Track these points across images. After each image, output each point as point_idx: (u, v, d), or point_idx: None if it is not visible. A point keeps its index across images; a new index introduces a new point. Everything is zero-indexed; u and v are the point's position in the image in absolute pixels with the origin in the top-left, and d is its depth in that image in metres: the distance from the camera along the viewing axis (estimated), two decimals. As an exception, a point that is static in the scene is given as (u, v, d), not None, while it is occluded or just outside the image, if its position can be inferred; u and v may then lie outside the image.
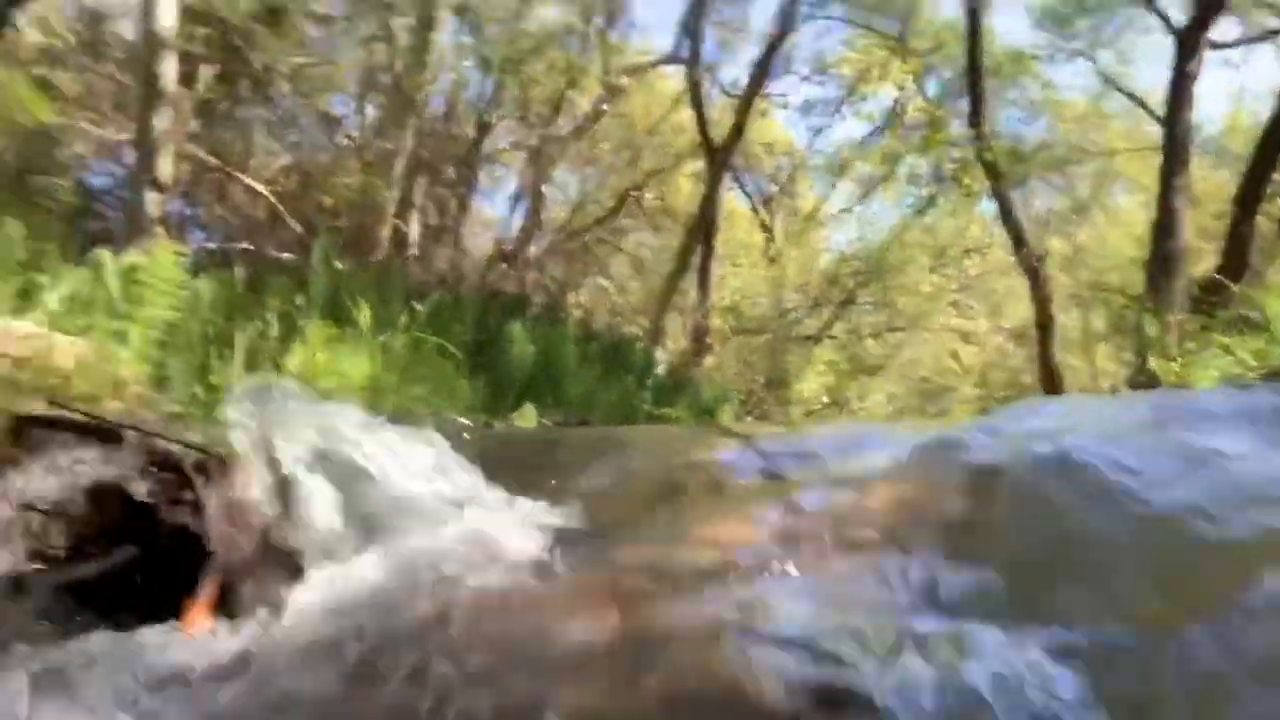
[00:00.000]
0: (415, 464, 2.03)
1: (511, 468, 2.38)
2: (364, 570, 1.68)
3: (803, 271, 18.15)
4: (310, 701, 1.26)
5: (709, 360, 15.25)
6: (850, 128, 27.69)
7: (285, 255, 11.48)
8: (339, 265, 7.24)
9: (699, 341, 15.00)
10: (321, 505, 1.88)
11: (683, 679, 1.05)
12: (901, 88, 17.51)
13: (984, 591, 1.25)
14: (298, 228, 12.58)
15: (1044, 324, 15.23)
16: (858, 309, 18.24)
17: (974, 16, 15.81)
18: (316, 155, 14.35)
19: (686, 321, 15.94)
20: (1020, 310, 19.26)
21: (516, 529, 1.83)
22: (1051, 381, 14.31)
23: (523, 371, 6.79)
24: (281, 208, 12.90)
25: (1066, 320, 17.32)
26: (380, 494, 1.91)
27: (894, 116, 18.32)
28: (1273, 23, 17.79)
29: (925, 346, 18.54)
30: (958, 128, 16.60)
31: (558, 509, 1.99)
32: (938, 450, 1.75)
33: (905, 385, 18.99)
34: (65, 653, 1.47)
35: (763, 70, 16.08)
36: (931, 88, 19.73)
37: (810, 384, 16.92)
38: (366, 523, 1.83)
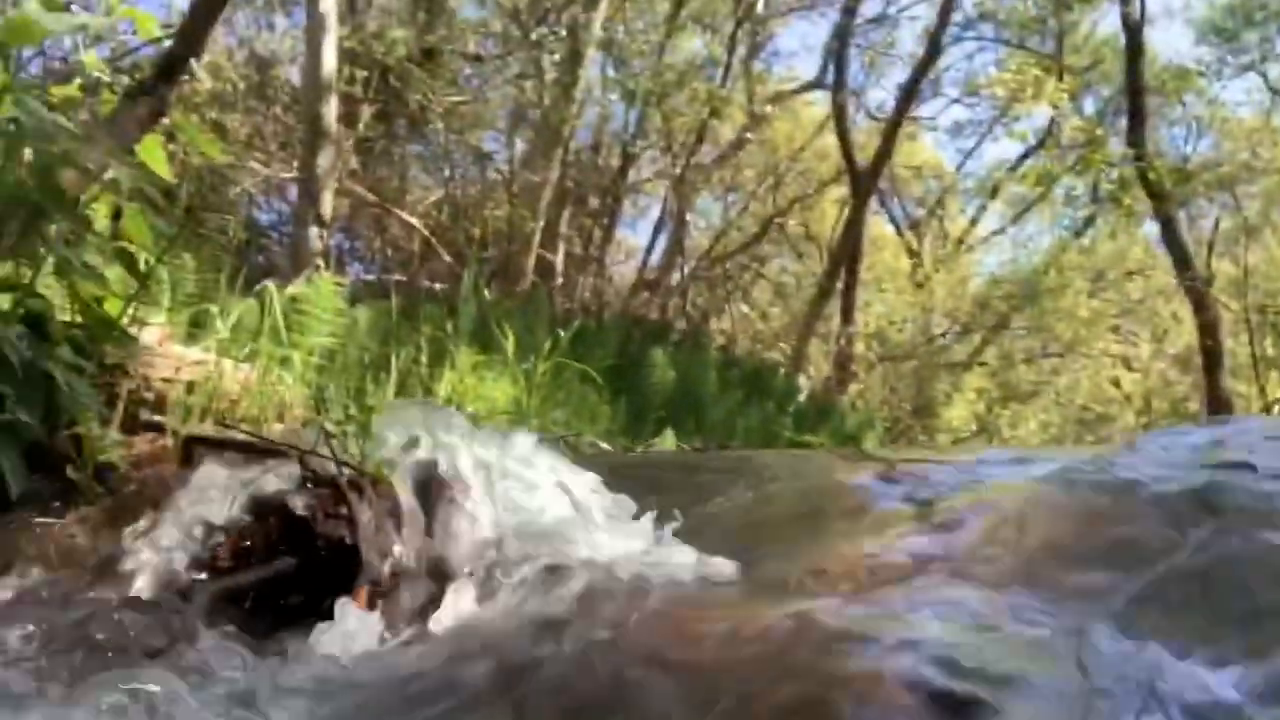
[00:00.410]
0: (560, 482, 2.10)
1: (651, 488, 2.42)
2: (510, 582, 1.74)
3: (952, 296, 17.76)
4: (444, 699, 1.31)
5: (853, 387, 15.05)
6: (1002, 149, 27.05)
7: (437, 285, 11.89)
8: (487, 294, 7.45)
9: (843, 368, 14.81)
10: (470, 519, 1.96)
11: (813, 684, 1.06)
12: (1057, 107, 16.93)
13: (1127, 613, 1.22)
14: (449, 259, 13.02)
15: (1210, 349, 14.48)
16: (1010, 334, 17.69)
17: (1133, 32, 15.24)
18: (467, 189, 14.84)
19: (830, 348, 15.76)
20: (1186, 335, 18.36)
21: (656, 546, 1.86)
22: (1219, 409, 13.57)
23: (663, 397, 6.85)
24: (434, 240, 13.38)
25: (1235, 345, 16.43)
26: (526, 510, 1.98)
27: (1049, 136, 17.76)
28: None
29: (1083, 373, 17.84)
30: (1117, 146, 15.95)
31: (697, 528, 2.02)
32: (1085, 472, 1.70)
33: (1061, 413, 18.28)
34: (225, 651, 1.57)
35: (910, 93, 15.86)
36: (1089, 106, 19.12)
37: (959, 411, 16.48)
38: (513, 537, 1.90)
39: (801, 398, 11.20)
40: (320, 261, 8.29)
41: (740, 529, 2.12)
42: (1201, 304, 14.89)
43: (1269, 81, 18.95)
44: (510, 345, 5.07)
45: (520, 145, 14.78)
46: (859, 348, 15.78)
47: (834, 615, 1.25)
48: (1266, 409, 15.18)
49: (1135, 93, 15.48)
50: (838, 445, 7.15)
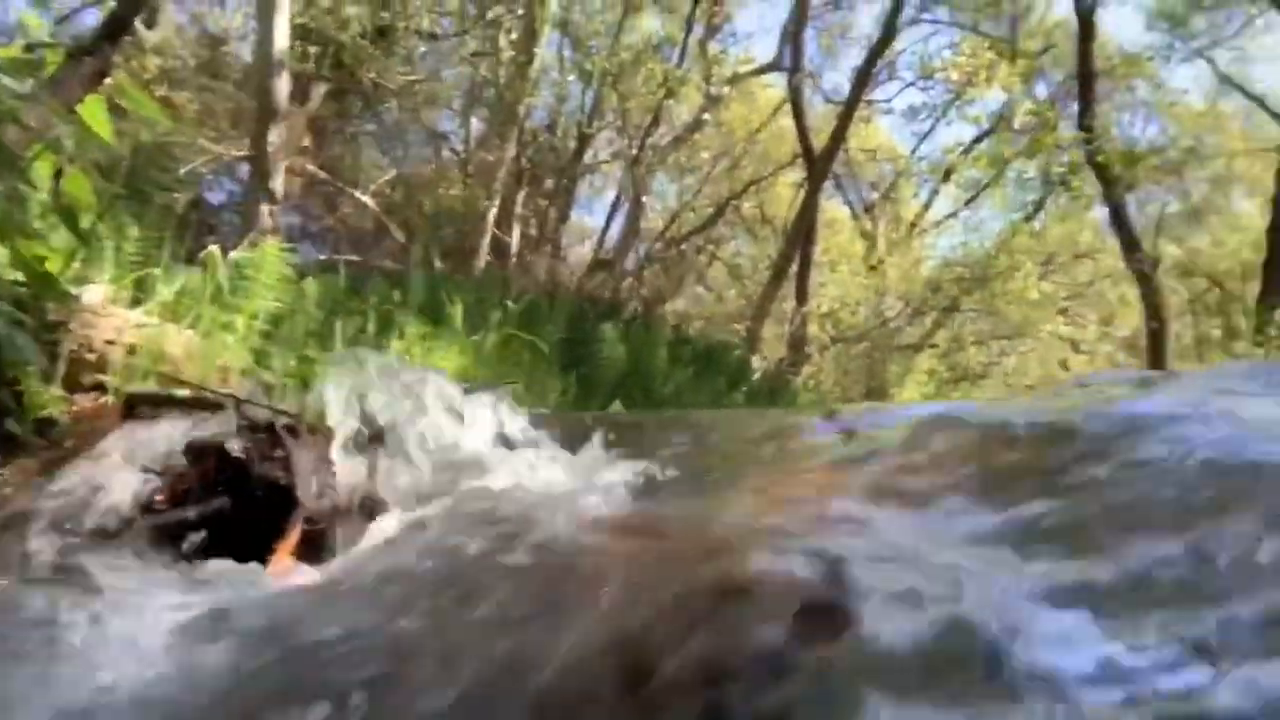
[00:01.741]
0: (492, 425, 2.15)
1: (591, 440, 2.47)
2: (437, 517, 1.79)
3: (905, 279, 17.94)
4: (361, 633, 1.36)
5: (807, 368, 15.17)
6: (956, 132, 27.34)
7: (390, 264, 11.85)
8: (439, 267, 7.45)
9: (796, 349, 14.93)
10: (402, 460, 2.01)
11: (699, 585, 1.12)
12: (1010, 90, 17.14)
13: (1003, 534, 1.30)
14: (402, 238, 12.96)
15: (1156, 331, 14.81)
16: (961, 316, 17.92)
17: (1085, 16, 15.50)
18: (422, 168, 14.76)
19: (785, 330, 15.88)
20: (1133, 318, 18.72)
21: (584, 482, 1.92)
22: (1163, 388, 13.84)
23: (614, 371, 6.90)
24: (387, 219, 13.31)
25: (1181, 328, 16.78)
26: (458, 451, 2.03)
27: (1002, 120, 17.98)
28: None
29: (1032, 355, 18.12)
30: (1068, 130, 16.20)
31: (631, 470, 2.07)
32: (962, 417, 1.79)
33: (1010, 395, 18.57)
34: (161, 579, 1.61)
35: (865, 76, 15.96)
36: (1041, 90, 19.37)
37: (911, 393, 16.68)
38: (445, 475, 1.95)
39: (755, 378, 11.29)
40: (271, 239, 8.25)
41: (674, 470, 2.18)
42: (1148, 287, 15.22)
43: (1216, 68, 19.34)
44: (458, 316, 5.10)
45: (476, 125, 14.73)
46: (813, 329, 15.91)
47: (735, 529, 1.31)
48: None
49: (1086, 77, 15.75)
50: (787, 419, 7.23)
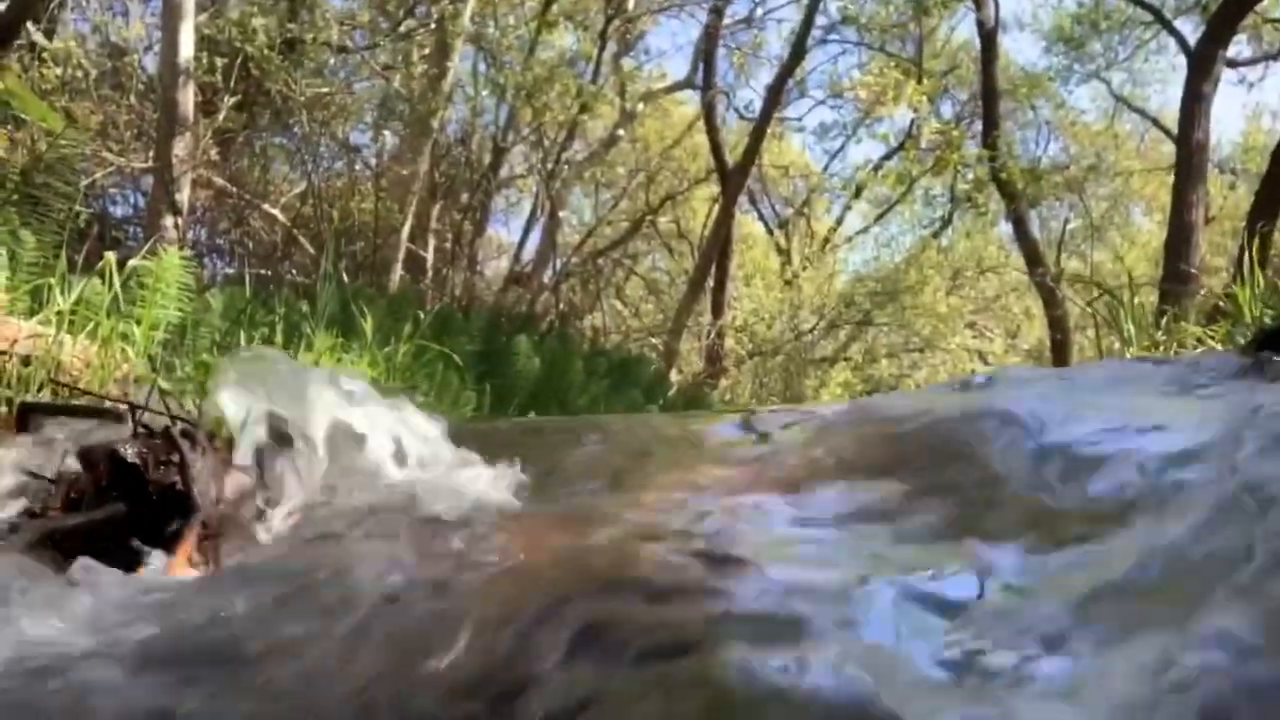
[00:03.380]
0: (393, 426, 2.13)
1: (495, 444, 2.46)
2: (335, 522, 1.77)
3: (819, 293, 18.24)
4: (251, 631, 1.33)
5: (724, 382, 15.31)
6: (866, 149, 27.88)
7: (300, 278, 11.64)
8: (348, 280, 7.34)
9: (713, 362, 15.06)
10: (305, 465, 1.97)
11: (579, 583, 1.13)
12: (916, 109, 17.54)
13: (891, 512, 1.33)
14: (312, 251, 12.75)
15: (1059, 344, 15.24)
16: (874, 330, 18.27)
17: (988, 38, 15.95)
18: (333, 181, 14.54)
19: (702, 344, 16.01)
20: (1037, 330, 19.25)
21: (484, 484, 1.91)
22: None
23: (528, 384, 6.88)
24: (297, 233, 13.09)
25: (1083, 340, 17.28)
26: (359, 452, 2.01)
27: (909, 138, 18.38)
28: (1288, 41, 17.81)
29: (942, 367, 18.55)
30: (973, 149, 16.62)
31: (539, 472, 2.06)
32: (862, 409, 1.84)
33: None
34: (51, 582, 1.56)
35: (776, 94, 16.18)
36: (947, 109, 19.87)
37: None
38: (346, 479, 1.93)
39: (672, 391, 11.34)
40: (172, 248, 8.04)
41: (579, 469, 2.18)
42: (1051, 300, 15.67)
43: (1112, 88, 20.04)
44: (368, 328, 5.03)
45: (389, 137, 14.58)
46: (730, 343, 16.08)
47: (629, 523, 1.32)
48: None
49: (989, 96, 16.20)
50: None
